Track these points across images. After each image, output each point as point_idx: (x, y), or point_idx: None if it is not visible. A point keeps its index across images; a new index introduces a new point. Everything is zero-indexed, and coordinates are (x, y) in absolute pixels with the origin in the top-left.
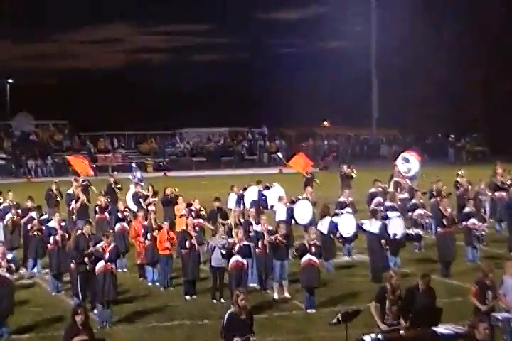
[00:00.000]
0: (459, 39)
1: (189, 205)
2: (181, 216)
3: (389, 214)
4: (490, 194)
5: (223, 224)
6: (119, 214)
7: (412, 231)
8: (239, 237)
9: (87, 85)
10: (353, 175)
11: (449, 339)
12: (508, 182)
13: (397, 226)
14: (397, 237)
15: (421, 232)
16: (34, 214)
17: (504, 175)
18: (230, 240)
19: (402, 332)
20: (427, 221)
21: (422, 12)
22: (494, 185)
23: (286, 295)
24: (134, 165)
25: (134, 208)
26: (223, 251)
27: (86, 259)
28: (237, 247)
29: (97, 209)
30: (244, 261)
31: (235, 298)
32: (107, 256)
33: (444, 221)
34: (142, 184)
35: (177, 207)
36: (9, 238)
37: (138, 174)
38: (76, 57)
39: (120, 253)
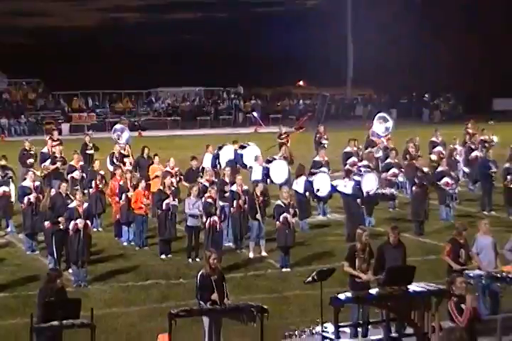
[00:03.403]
0: (431, 2)
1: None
2: (156, 177)
3: (363, 171)
4: (463, 153)
5: (199, 183)
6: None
7: (386, 190)
8: (211, 196)
9: (61, 43)
10: (323, 141)
11: (423, 297)
12: (484, 138)
13: (370, 182)
14: (370, 193)
15: (395, 192)
16: None
17: (475, 136)
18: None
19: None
20: (401, 180)
21: None
22: (468, 147)
23: (264, 254)
24: (122, 125)
25: (111, 168)
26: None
27: (60, 219)
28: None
29: (72, 168)
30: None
31: (206, 258)
32: (80, 215)
33: (416, 180)
34: (123, 145)
35: (152, 167)
36: None
37: (125, 135)
38: (50, 15)
39: (94, 213)
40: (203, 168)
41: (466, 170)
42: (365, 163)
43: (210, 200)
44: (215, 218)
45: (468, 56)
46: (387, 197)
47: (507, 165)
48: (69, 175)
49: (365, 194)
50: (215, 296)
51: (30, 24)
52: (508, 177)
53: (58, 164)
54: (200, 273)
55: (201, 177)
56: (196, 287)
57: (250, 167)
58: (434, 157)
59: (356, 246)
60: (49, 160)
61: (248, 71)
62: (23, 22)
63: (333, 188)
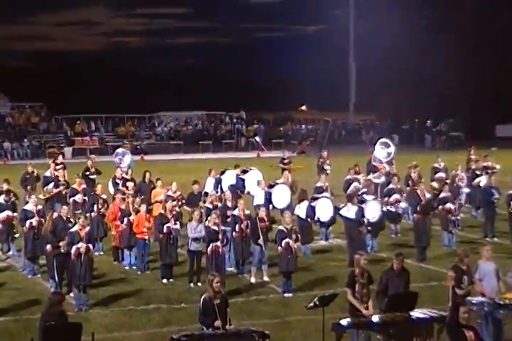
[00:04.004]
0: (436, 25)
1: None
2: (158, 202)
3: (365, 197)
4: (466, 180)
5: (200, 207)
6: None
7: (391, 208)
8: (213, 221)
9: (65, 68)
10: (326, 167)
11: (424, 324)
12: (487, 164)
13: (373, 210)
14: (373, 220)
15: (399, 211)
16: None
17: (477, 162)
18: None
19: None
20: (404, 206)
21: None
22: (472, 173)
23: (266, 279)
24: (124, 149)
25: (112, 191)
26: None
27: (62, 243)
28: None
29: (74, 192)
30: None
31: (209, 282)
32: (82, 239)
33: (419, 207)
34: (124, 169)
35: (154, 191)
36: None
37: (127, 159)
38: (53, 39)
39: (95, 237)
40: (206, 193)
41: (467, 190)
42: (364, 189)
43: (212, 226)
44: (218, 243)
45: (472, 82)
46: (393, 215)
47: (511, 191)
48: (71, 199)
49: (367, 220)
50: (218, 323)
51: (34, 48)
52: None
53: (61, 188)
54: (203, 297)
55: (203, 201)
56: (199, 311)
57: (248, 192)
58: (435, 184)
59: (355, 272)
60: (52, 184)
61: (250, 96)
62: (26, 46)
63: (336, 210)
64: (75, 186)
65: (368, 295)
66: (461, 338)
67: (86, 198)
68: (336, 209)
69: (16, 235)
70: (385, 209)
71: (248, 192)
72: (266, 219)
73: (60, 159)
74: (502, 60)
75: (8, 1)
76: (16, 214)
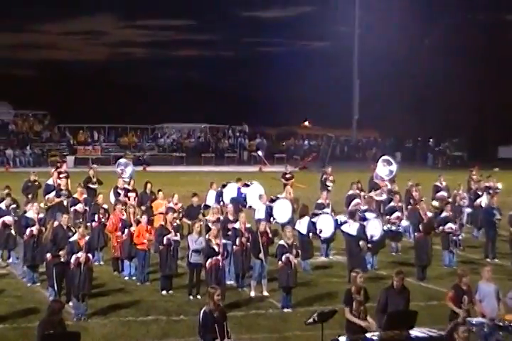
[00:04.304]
0: (440, 45)
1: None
2: (160, 213)
3: (367, 215)
4: (467, 200)
5: (200, 220)
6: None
7: (392, 227)
8: (214, 234)
9: (68, 77)
10: (328, 183)
11: None
12: (489, 184)
13: (375, 228)
14: (374, 239)
15: (401, 230)
16: (2, 204)
17: (479, 182)
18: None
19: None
20: (405, 224)
21: (405, 15)
22: (474, 193)
23: (265, 293)
24: (126, 160)
25: (113, 201)
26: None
27: (61, 252)
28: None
29: (75, 201)
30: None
31: (211, 295)
32: (82, 248)
33: (421, 226)
34: (126, 179)
35: (156, 203)
36: None
37: (129, 169)
38: (58, 48)
39: (96, 247)
40: (206, 205)
41: (469, 210)
42: (365, 207)
43: (214, 241)
44: (218, 257)
45: (476, 103)
46: (394, 234)
47: None
48: (72, 208)
49: (369, 238)
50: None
51: (39, 57)
52: None
53: (62, 198)
54: (203, 310)
55: (203, 214)
56: (199, 324)
57: (250, 206)
58: (436, 203)
59: (351, 289)
60: (53, 193)
61: (254, 110)
62: (31, 54)
63: (338, 225)
64: (76, 195)
65: (365, 312)
66: None
67: (87, 208)
68: (337, 224)
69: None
70: (385, 227)
71: (250, 206)
72: (268, 232)
73: (64, 167)
74: (506, 81)
75: (14, 10)
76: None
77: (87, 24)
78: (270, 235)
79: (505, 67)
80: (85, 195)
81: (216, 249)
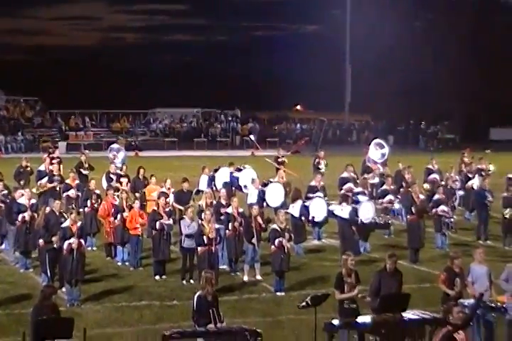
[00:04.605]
0: (432, 27)
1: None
2: (151, 200)
3: (359, 198)
4: (459, 182)
5: (192, 205)
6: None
7: (380, 219)
8: (208, 219)
9: (60, 62)
10: (321, 166)
11: (417, 325)
12: (481, 166)
13: (367, 211)
14: (366, 221)
15: (389, 221)
16: None
17: (470, 164)
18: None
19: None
20: (397, 207)
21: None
22: (465, 175)
23: (258, 277)
24: (118, 145)
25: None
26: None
27: (54, 238)
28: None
29: (68, 187)
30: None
31: (207, 280)
32: (74, 234)
33: (413, 208)
34: (118, 165)
35: (149, 188)
36: None
37: (122, 155)
38: (50, 33)
39: (88, 232)
40: (198, 191)
41: (461, 193)
42: (359, 189)
43: (205, 227)
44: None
45: (467, 85)
46: (381, 226)
47: (505, 194)
48: (64, 194)
49: (359, 221)
50: (211, 326)
51: (31, 42)
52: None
53: (55, 183)
54: (197, 294)
55: (193, 199)
56: (193, 309)
57: (245, 186)
58: (427, 186)
59: (342, 272)
60: (46, 178)
61: (246, 94)
62: (22, 40)
63: (330, 213)
64: (68, 181)
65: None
66: None
67: (80, 193)
68: (329, 212)
69: None
70: (373, 220)
71: (245, 186)
72: (260, 222)
73: (56, 153)
74: (498, 63)
75: None
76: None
77: (79, 9)
78: (263, 225)
79: (497, 48)
80: (78, 181)
81: (205, 240)
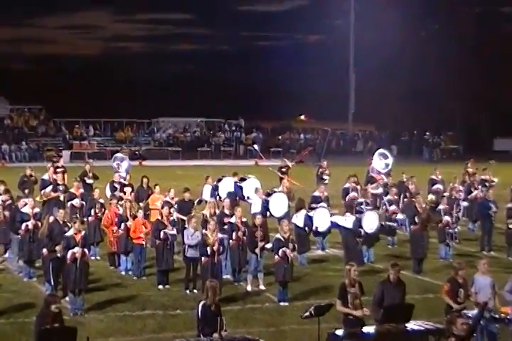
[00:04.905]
0: (436, 37)
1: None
2: (155, 208)
3: (363, 208)
4: (463, 193)
5: (195, 215)
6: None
7: (387, 223)
8: (212, 229)
9: (64, 71)
10: (325, 177)
11: (420, 336)
12: (485, 177)
13: (371, 221)
14: (370, 232)
15: (395, 225)
16: None
17: (474, 175)
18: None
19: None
20: (401, 217)
21: (401, 8)
22: (469, 185)
23: (262, 287)
24: (122, 154)
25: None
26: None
27: (57, 247)
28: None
29: (72, 196)
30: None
31: (212, 289)
32: (78, 243)
33: (417, 219)
34: (122, 174)
35: (153, 197)
36: None
37: (125, 164)
38: (54, 42)
39: (92, 242)
40: (200, 200)
41: (466, 203)
42: (362, 199)
43: (209, 237)
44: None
45: (471, 96)
46: (387, 230)
47: (509, 205)
48: (69, 203)
49: (364, 231)
50: (216, 336)
51: (34, 51)
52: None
53: (59, 193)
54: (202, 303)
55: (194, 209)
56: (198, 318)
57: (248, 197)
58: (432, 197)
59: (345, 283)
60: (50, 187)
61: (250, 104)
62: (27, 49)
63: (333, 224)
64: (72, 190)
65: (360, 306)
66: None
67: (84, 203)
68: (332, 223)
69: None
70: (384, 223)
71: (248, 197)
72: (262, 227)
73: (61, 162)
74: (501, 73)
75: (8, 4)
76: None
77: (83, 18)
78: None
79: (500, 59)
80: (82, 190)
81: (209, 250)
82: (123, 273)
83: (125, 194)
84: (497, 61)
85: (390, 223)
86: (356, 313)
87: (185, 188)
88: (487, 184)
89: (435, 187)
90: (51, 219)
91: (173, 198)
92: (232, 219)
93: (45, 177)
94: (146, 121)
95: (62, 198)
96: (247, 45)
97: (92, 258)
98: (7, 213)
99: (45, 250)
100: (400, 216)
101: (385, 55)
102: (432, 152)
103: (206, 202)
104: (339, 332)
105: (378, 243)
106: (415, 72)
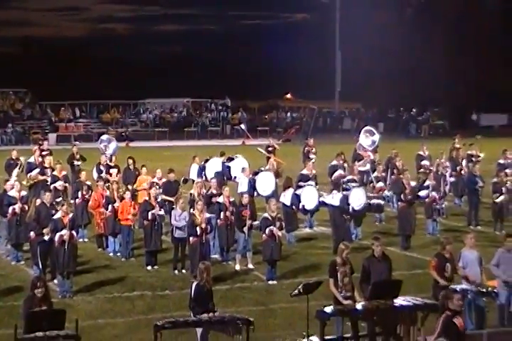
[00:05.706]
0: (421, 15)
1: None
2: (143, 189)
3: (350, 186)
4: (450, 169)
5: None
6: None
7: (373, 201)
8: (200, 209)
9: (49, 53)
10: (311, 155)
11: (408, 311)
12: (471, 152)
13: (358, 197)
14: (357, 208)
15: (382, 202)
16: None
17: (459, 150)
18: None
19: (358, 305)
20: (388, 194)
21: None
22: (455, 161)
23: (250, 266)
24: (109, 136)
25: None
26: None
27: (45, 230)
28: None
29: (55, 179)
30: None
31: (204, 271)
32: (65, 226)
33: (402, 196)
34: (108, 155)
35: (140, 178)
36: None
37: (112, 145)
38: (39, 25)
39: (80, 224)
40: (185, 179)
41: (452, 179)
42: (349, 177)
43: (197, 217)
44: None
45: (457, 72)
46: (374, 208)
47: (495, 179)
48: (52, 186)
49: (351, 209)
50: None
51: (19, 34)
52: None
53: (46, 177)
54: (195, 283)
55: (180, 187)
56: (190, 298)
57: (236, 177)
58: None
59: (336, 261)
60: (36, 170)
61: (236, 83)
62: (11, 32)
63: (320, 202)
64: (55, 173)
65: (350, 283)
66: (452, 326)
67: (67, 185)
68: (320, 201)
69: None
70: (370, 201)
71: (235, 177)
72: (250, 206)
73: (46, 145)
74: (487, 50)
75: None
76: None
77: (68, 0)
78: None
79: (484, 37)
80: (65, 172)
81: (198, 230)
82: (111, 254)
83: (111, 176)
84: (481, 38)
85: (376, 200)
86: (344, 302)
87: (170, 169)
88: (473, 159)
89: (422, 162)
90: (38, 202)
91: (160, 179)
92: (220, 199)
93: (31, 160)
94: (133, 103)
95: (48, 181)
96: (233, 24)
97: (80, 240)
98: None
99: (32, 233)
100: (386, 192)
101: (371, 33)
102: (419, 128)
103: (193, 181)
104: (328, 310)
105: (366, 220)
106: (401, 50)
